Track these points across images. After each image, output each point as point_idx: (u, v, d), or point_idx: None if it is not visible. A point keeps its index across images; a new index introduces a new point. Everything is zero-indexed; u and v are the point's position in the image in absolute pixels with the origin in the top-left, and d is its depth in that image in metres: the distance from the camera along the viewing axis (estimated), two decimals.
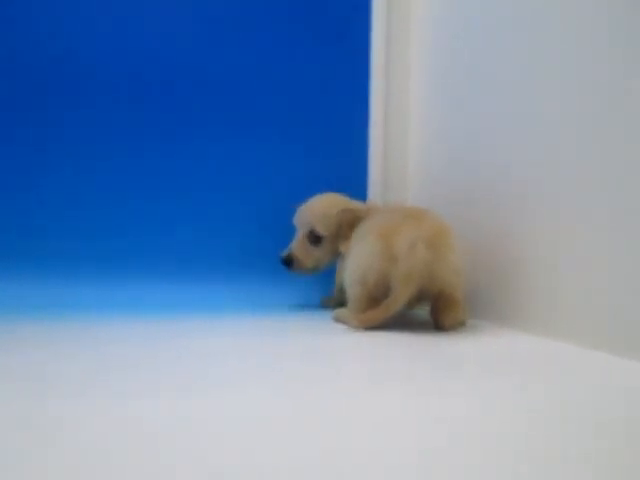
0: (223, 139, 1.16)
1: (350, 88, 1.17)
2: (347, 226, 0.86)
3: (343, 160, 1.15)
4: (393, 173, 1.13)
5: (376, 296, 0.72)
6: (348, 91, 1.18)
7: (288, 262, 0.92)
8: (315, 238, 0.91)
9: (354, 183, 1.13)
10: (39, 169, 1.11)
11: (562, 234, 0.67)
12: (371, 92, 1.17)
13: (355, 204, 0.93)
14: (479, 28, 0.88)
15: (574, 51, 0.66)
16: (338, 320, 0.79)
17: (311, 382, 0.44)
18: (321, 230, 0.90)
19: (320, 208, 0.91)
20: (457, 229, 0.77)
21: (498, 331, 0.74)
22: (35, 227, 1.10)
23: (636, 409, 0.39)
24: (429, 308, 0.75)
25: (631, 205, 0.57)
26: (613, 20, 0.60)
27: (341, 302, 0.89)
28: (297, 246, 0.92)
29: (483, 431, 0.33)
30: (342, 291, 0.83)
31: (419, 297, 0.72)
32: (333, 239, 0.89)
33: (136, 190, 1.14)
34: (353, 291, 0.75)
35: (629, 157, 0.57)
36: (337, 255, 0.91)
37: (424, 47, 1.10)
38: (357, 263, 0.75)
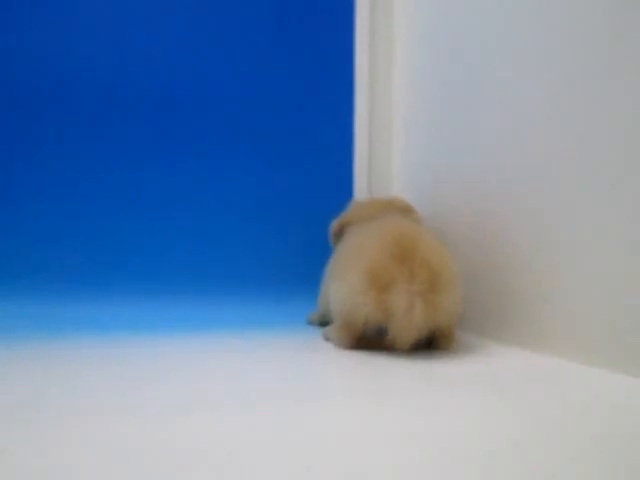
0: (213, 157, 1.17)
1: (335, 100, 1.19)
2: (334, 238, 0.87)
3: (329, 170, 1.16)
4: (377, 185, 1.14)
5: (363, 328, 0.69)
6: (333, 103, 1.19)
7: None
8: None
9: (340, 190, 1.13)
10: (42, 186, 1.10)
11: (557, 249, 0.67)
12: (355, 102, 1.18)
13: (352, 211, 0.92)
14: (462, 38, 0.89)
15: (565, 55, 0.66)
16: (327, 339, 0.78)
17: (296, 399, 0.44)
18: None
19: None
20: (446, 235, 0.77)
21: (486, 346, 0.73)
22: (38, 244, 1.09)
23: (625, 424, 0.39)
24: None
25: (621, 219, 0.57)
26: (611, 23, 0.60)
27: (326, 319, 0.87)
28: None
29: (467, 448, 0.32)
30: (327, 309, 0.81)
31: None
32: None
33: (129, 211, 1.13)
34: (338, 322, 0.73)
35: (621, 166, 0.57)
36: None
37: (407, 62, 1.11)
38: (342, 300, 0.70)
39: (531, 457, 0.31)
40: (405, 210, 0.90)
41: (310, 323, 0.97)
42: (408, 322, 0.63)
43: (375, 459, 0.30)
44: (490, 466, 0.29)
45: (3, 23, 1.10)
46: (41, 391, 0.45)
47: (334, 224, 0.92)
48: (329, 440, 0.34)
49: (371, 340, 0.70)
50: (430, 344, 0.71)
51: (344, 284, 0.70)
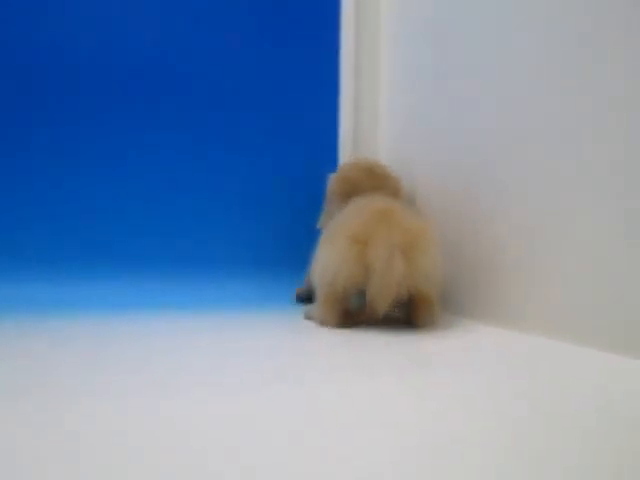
0: (196, 129, 1.15)
1: (320, 71, 1.16)
2: (335, 197, 0.88)
3: (313, 143, 1.14)
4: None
5: (344, 297, 0.72)
6: (317, 74, 1.16)
7: None
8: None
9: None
10: (16, 164, 1.08)
11: (537, 227, 0.67)
12: (341, 71, 1.16)
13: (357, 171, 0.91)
14: (449, 5, 0.88)
15: (542, 32, 0.66)
16: (308, 318, 0.78)
17: (278, 378, 0.44)
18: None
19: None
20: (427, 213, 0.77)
21: (472, 326, 0.74)
22: (12, 225, 1.07)
23: (609, 401, 0.39)
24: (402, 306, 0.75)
25: (599, 198, 0.57)
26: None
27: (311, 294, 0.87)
28: None
29: (451, 427, 0.33)
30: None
31: (395, 303, 0.70)
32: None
33: (108, 191, 1.12)
34: (322, 292, 0.74)
35: (607, 144, 0.57)
36: None
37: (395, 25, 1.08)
38: (326, 264, 0.73)
39: (517, 432, 0.32)
40: (385, 178, 0.90)
41: (298, 299, 0.97)
42: (388, 275, 0.65)
43: (359, 438, 0.31)
44: (479, 442, 0.30)
45: None
46: (21, 371, 0.45)
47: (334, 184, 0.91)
48: (313, 418, 0.34)
49: (353, 315, 0.72)
50: (411, 321, 0.72)
51: (329, 248, 0.73)
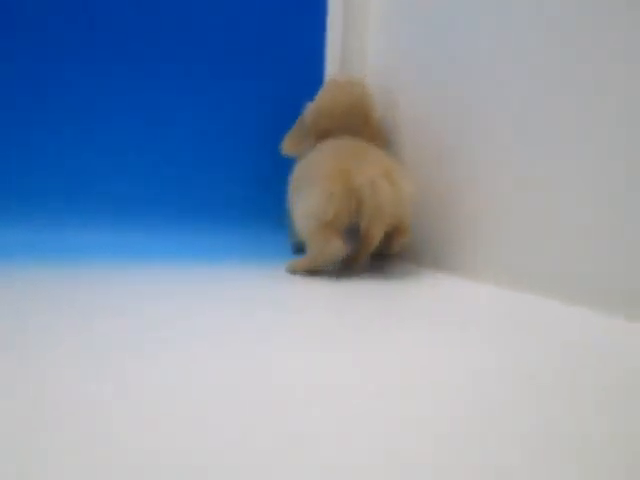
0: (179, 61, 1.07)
1: None
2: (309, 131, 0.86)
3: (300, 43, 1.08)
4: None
5: (335, 226, 0.69)
6: None
7: None
8: None
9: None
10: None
11: (507, 177, 0.66)
12: None
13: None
14: None
15: None
16: (294, 271, 0.73)
17: (258, 334, 0.43)
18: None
19: None
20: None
21: (444, 279, 0.74)
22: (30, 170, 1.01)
23: (574, 356, 0.40)
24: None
25: (583, 143, 0.55)
26: None
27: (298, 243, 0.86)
28: None
29: (426, 383, 0.33)
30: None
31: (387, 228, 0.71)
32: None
33: (96, 135, 1.05)
34: (313, 228, 0.69)
35: (584, 80, 0.55)
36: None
37: None
38: (309, 204, 0.69)
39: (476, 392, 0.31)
40: (364, 116, 0.86)
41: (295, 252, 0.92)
42: (377, 199, 0.68)
43: (336, 390, 0.30)
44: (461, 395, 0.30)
45: None
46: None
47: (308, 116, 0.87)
48: (286, 377, 0.33)
49: (347, 259, 0.72)
50: (388, 249, 0.73)
51: (309, 191, 0.71)
